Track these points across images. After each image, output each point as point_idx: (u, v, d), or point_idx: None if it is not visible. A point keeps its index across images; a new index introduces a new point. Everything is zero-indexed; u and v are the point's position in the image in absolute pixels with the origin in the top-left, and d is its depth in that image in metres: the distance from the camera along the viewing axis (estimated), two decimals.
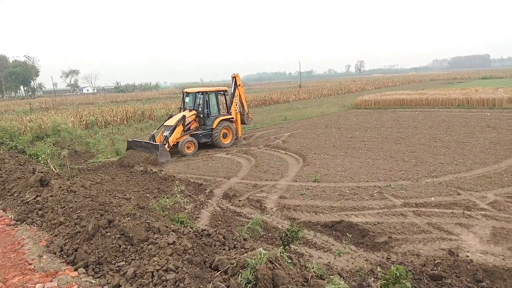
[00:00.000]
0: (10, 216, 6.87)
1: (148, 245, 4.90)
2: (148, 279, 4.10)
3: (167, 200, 10.42)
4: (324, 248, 7.61)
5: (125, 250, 4.99)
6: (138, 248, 4.92)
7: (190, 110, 18.56)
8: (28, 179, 8.44)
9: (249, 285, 3.93)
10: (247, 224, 8.07)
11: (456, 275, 6.00)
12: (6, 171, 9.85)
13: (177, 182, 12.40)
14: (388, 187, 10.53)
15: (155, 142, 17.17)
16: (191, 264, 4.45)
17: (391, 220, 8.40)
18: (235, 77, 20.34)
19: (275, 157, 15.59)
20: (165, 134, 17.13)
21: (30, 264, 4.85)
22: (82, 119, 30.34)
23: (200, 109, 18.59)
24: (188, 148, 17.41)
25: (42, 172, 8.85)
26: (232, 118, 19.95)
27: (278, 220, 9.18)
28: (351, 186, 10.91)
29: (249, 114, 21.95)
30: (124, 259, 4.82)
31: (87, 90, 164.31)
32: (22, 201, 7.48)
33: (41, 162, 14.01)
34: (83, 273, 4.62)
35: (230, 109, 20.17)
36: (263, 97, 48.08)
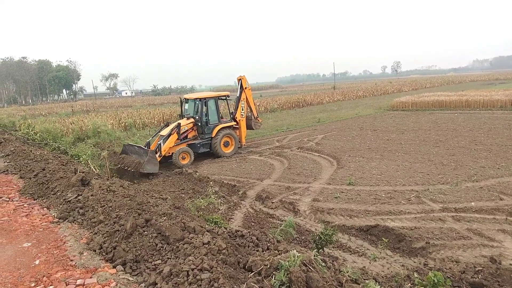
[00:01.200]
0: (53, 214, 7.17)
1: (183, 244, 5.00)
2: (183, 278, 4.18)
3: (202, 200, 10.65)
4: (359, 253, 7.49)
5: (161, 249, 5.11)
6: (174, 247, 5.02)
7: (188, 118, 17.49)
8: (70, 178, 8.78)
9: (282, 287, 3.93)
10: (280, 226, 8.07)
11: (499, 283, 5.74)
12: (50, 171, 10.29)
13: (211, 183, 12.56)
14: (426, 191, 10.23)
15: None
16: (225, 264, 4.50)
17: (429, 225, 8.16)
18: (241, 79, 19.08)
19: (309, 160, 15.49)
20: (159, 142, 16.26)
21: (71, 260, 5.06)
22: (121, 121, 31.35)
23: (197, 117, 17.45)
24: (183, 158, 16.29)
25: (83, 172, 9.19)
26: (235, 124, 18.75)
27: (311, 223, 9.12)
28: (387, 190, 10.68)
29: (258, 119, 20.69)
30: (161, 257, 4.94)
31: (126, 93, 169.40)
32: (65, 199, 7.79)
33: (82, 162, 14.58)
34: (121, 270, 4.76)
35: (235, 114, 19.01)
36: (296, 99, 47.91)
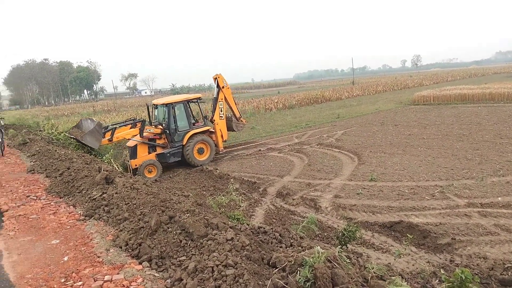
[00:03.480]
0: (79, 212, 7.33)
1: (207, 240, 5.03)
2: (208, 273, 4.21)
3: (223, 197, 10.70)
4: (383, 249, 7.42)
5: (185, 245, 5.15)
6: (198, 244, 5.06)
7: (156, 126, 16.17)
8: (95, 177, 8.95)
9: (307, 283, 3.92)
10: (302, 222, 8.06)
11: None
12: (75, 170, 10.50)
13: (231, 180, 12.63)
14: (451, 187, 10.04)
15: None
16: (249, 260, 4.51)
17: (455, 221, 8.01)
18: (216, 78, 17.53)
19: (329, 156, 15.38)
20: (115, 127, 15.51)
21: (98, 257, 5.16)
22: None
23: (164, 124, 16.06)
24: (149, 172, 15.07)
25: (107, 171, 9.35)
26: (211, 128, 17.20)
27: (333, 219, 9.07)
28: (410, 186, 10.52)
29: (242, 119, 19.19)
30: (185, 254, 4.98)
31: (145, 92, 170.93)
32: (90, 197, 7.94)
33: (105, 161, 14.82)
34: (147, 266, 4.83)
35: (212, 116, 17.50)
36: (314, 95, 47.62)
